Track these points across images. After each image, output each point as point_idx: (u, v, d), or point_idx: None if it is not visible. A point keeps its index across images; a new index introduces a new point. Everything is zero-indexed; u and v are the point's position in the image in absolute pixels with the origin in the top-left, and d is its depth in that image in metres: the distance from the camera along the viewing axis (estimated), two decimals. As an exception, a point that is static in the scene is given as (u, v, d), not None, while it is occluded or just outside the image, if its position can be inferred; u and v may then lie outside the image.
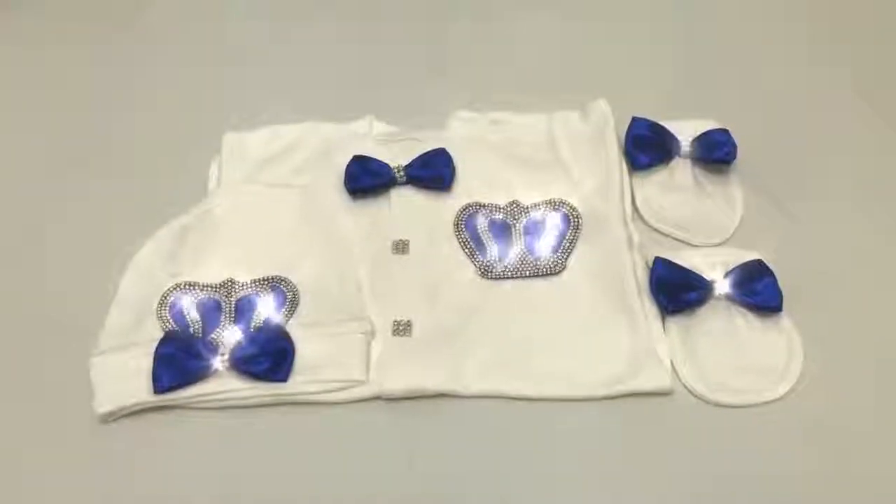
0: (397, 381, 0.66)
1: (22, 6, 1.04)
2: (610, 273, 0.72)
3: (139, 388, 0.64)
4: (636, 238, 0.75)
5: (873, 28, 0.98)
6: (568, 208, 0.77)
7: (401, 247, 0.74)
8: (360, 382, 0.66)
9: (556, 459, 0.63)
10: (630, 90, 0.88)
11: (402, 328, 0.69)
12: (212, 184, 0.80)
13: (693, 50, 0.96)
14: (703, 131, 0.81)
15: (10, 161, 0.86)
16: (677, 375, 0.67)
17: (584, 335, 0.69)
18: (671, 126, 0.81)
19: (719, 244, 0.76)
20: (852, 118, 0.87)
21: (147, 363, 0.64)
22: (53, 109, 0.91)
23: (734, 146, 0.79)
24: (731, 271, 0.70)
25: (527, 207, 0.77)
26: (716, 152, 0.79)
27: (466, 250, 0.74)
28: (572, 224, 0.76)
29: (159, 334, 0.67)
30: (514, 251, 0.74)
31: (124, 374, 0.65)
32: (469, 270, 0.73)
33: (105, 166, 0.85)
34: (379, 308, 0.71)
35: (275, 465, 0.63)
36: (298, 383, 0.65)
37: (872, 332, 0.69)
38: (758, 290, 0.69)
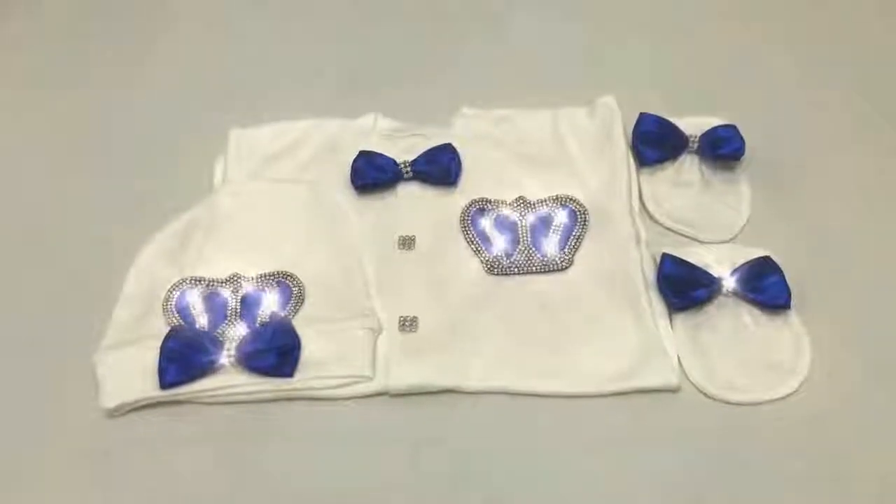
0: (403, 377, 0.66)
1: (23, 6, 1.04)
2: (617, 269, 0.72)
3: (145, 383, 0.64)
4: (643, 234, 0.75)
5: (875, 26, 0.98)
6: (575, 204, 0.77)
7: (407, 243, 0.74)
8: (366, 378, 0.65)
9: (562, 455, 0.63)
10: (637, 87, 0.87)
11: (408, 324, 0.69)
12: (217, 180, 0.80)
13: (699, 47, 0.95)
14: (710, 127, 0.81)
15: (12, 160, 0.86)
16: (684, 372, 0.66)
17: (591, 332, 0.69)
18: (679, 122, 0.81)
19: (727, 241, 0.75)
20: (859, 116, 0.86)
21: (153, 358, 0.64)
22: (54, 109, 0.91)
23: (742, 142, 0.79)
24: (738, 268, 0.70)
25: (533, 203, 0.77)
26: (724, 148, 0.79)
27: (473, 246, 0.74)
28: (579, 220, 0.75)
29: (165, 329, 0.66)
30: (521, 247, 0.74)
31: (130, 368, 0.65)
32: (475, 266, 0.73)
33: (108, 164, 0.85)
34: (385, 304, 0.70)
35: (280, 461, 0.63)
36: (304, 379, 0.65)
37: (880, 329, 0.69)
38: (765, 287, 0.69)
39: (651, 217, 0.77)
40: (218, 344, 0.66)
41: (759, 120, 0.84)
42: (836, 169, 0.81)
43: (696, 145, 0.80)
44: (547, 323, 0.69)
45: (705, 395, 0.65)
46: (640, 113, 0.81)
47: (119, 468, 0.63)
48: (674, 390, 0.65)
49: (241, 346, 0.65)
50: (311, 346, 0.66)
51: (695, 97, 0.88)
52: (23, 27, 1.02)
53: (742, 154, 0.79)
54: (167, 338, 0.65)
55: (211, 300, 0.70)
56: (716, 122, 0.82)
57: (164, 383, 0.63)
